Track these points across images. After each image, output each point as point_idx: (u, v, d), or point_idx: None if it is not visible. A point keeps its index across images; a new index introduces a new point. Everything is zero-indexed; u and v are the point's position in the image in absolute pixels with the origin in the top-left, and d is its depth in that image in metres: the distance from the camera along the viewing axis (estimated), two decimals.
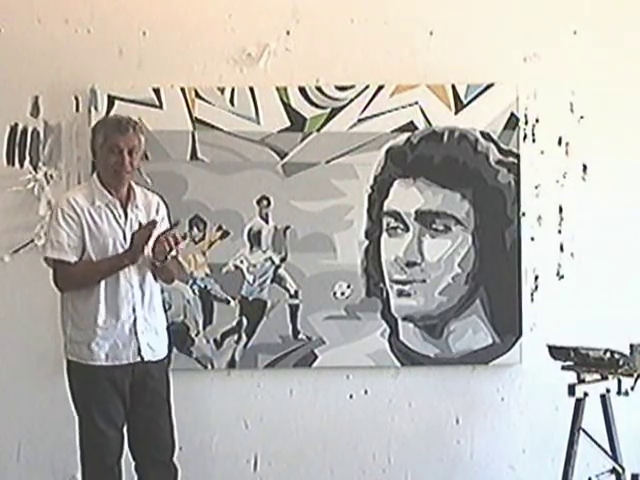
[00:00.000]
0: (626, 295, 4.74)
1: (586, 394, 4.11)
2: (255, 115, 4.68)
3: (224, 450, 4.74)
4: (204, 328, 4.68)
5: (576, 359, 4.18)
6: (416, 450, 4.77)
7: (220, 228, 4.68)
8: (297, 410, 4.75)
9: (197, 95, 4.66)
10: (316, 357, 4.69)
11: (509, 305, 4.71)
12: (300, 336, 4.68)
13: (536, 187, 4.77)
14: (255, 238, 4.68)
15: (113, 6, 4.67)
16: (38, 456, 4.70)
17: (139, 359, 4.01)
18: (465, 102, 4.71)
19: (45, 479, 4.70)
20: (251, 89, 4.68)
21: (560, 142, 4.77)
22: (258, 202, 4.68)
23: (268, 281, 4.69)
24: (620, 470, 4.24)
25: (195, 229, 4.67)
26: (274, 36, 4.71)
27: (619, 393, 4.17)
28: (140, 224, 4.02)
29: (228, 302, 4.68)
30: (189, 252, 4.64)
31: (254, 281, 4.69)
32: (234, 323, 4.68)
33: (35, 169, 4.66)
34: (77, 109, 4.67)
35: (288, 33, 4.72)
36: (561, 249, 4.78)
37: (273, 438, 4.74)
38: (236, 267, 4.69)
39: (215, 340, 4.67)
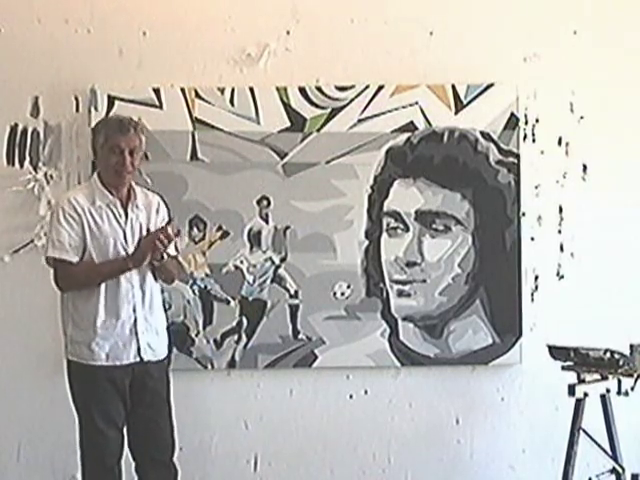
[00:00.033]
0: (626, 295, 4.74)
1: (586, 394, 4.11)
2: (255, 115, 4.68)
3: (224, 450, 4.74)
4: (204, 328, 4.67)
5: (576, 359, 4.18)
6: (416, 450, 4.77)
7: (220, 228, 4.68)
8: (297, 410, 4.75)
9: (197, 95, 4.66)
10: (316, 357, 4.69)
11: (509, 305, 4.71)
12: (300, 336, 4.68)
13: (536, 187, 4.77)
14: (255, 238, 4.68)
15: (113, 6, 4.67)
16: (38, 456, 4.70)
17: (139, 359, 4.01)
18: (465, 102, 4.71)
19: (45, 479, 4.70)
20: (251, 89, 4.68)
21: (560, 142, 4.77)
22: (258, 202, 4.68)
23: (268, 281, 4.69)
24: (620, 470, 4.24)
25: (195, 229, 4.67)
26: (274, 36, 4.71)
27: (619, 393, 4.17)
28: (149, 230, 4.02)
29: (228, 302, 4.68)
30: (189, 252, 4.65)
31: (254, 281, 4.69)
32: (234, 323, 4.68)
33: (35, 169, 4.66)
34: (77, 109, 4.67)
35: (288, 33, 4.72)
36: (561, 249, 4.79)
37: (273, 438, 4.74)
38: (236, 267, 4.69)
39: (215, 340, 4.67)
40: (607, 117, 4.75)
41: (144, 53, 4.68)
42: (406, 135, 4.70)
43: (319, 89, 4.69)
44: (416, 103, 4.70)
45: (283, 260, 4.68)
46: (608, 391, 4.19)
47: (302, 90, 4.68)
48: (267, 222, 4.68)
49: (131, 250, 3.99)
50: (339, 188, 4.69)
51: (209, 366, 4.68)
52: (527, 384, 4.77)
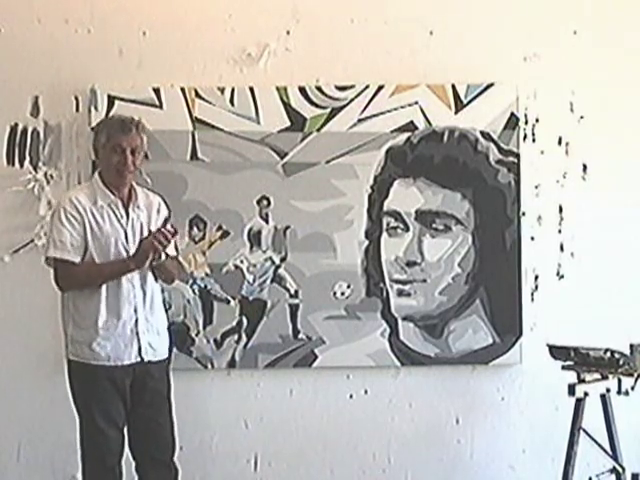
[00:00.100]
0: (626, 295, 4.74)
1: (586, 394, 4.11)
2: (255, 115, 4.68)
3: (224, 450, 4.73)
4: (204, 328, 4.67)
5: (576, 359, 4.18)
6: (416, 450, 4.77)
7: (220, 228, 4.68)
8: (297, 410, 4.75)
9: (197, 95, 4.66)
10: (316, 357, 4.69)
11: (509, 305, 4.71)
12: (300, 336, 4.68)
13: (536, 187, 4.77)
14: (255, 238, 4.68)
15: (113, 6, 4.67)
16: (38, 456, 4.69)
17: (140, 359, 4.01)
18: (465, 102, 4.71)
19: (45, 479, 4.70)
20: (251, 89, 4.68)
21: (560, 142, 4.78)
22: (258, 202, 4.68)
23: (268, 281, 4.69)
24: (620, 470, 4.24)
25: (195, 229, 4.67)
26: (274, 36, 4.71)
27: (619, 393, 4.17)
28: (150, 231, 4.02)
29: (228, 302, 4.68)
30: (189, 252, 4.65)
31: (254, 281, 4.69)
32: (234, 323, 4.68)
33: (35, 169, 4.66)
34: (77, 109, 4.67)
35: (288, 33, 4.72)
36: (561, 249, 4.79)
37: (273, 438, 4.74)
38: (236, 267, 4.69)
39: (215, 340, 4.67)
40: (607, 117, 4.75)
41: (144, 53, 4.68)
42: (406, 135, 4.70)
43: (319, 89, 4.69)
44: (416, 103, 4.70)
45: (283, 260, 4.68)
46: (608, 391, 4.19)
47: (302, 90, 4.69)
48: (267, 222, 4.68)
49: (132, 250, 3.99)
50: (339, 188, 4.69)
51: (209, 366, 4.68)
52: (527, 384, 4.77)
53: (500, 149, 4.71)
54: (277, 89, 4.68)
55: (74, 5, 4.67)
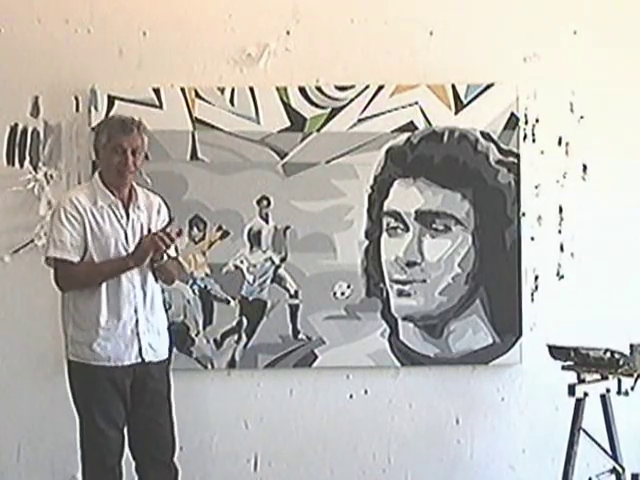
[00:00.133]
0: (626, 295, 4.74)
1: (586, 394, 4.11)
2: (255, 115, 4.68)
3: (224, 450, 4.74)
4: (204, 328, 4.67)
5: (576, 359, 4.18)
6: (416, 450, 4.78)
7: (220, 228, 4.68)
8: (297, 410, 4.75)
9: (197, 95, 4.66)
10: (316, 357, 4.69)
11: (509, 305, 4.71)
12: (300, 336, 4.68)
13: (536, 187, 4.77)
14: (255, 238, 4.68)
15: (113, 6, 4.67)
16: (38, 456, 4.69)
17: (140, 360, 4.01)
18: (465, 102, 4.71)
19: (45, 479, 4.70)
20: (251, 89, 4.68)
21: (560, 142, 4.78)
22: (258, 202, 4.68)
23: (268, 281, 4.69)
24: (620, 470, 4.24)
25: (195, 229, 4.67)
26: (274, 36, 4.71)
27: (619, 393, 4.18)
28: (149, 230, 4.02)
29: (228, 302, 4.68)
30: (189, 252, 4.65)
31: (254, 281, 4.69)
32: (234, 323, 4.68)
33: (35, 169, 4.66)
34: (77, 109, 4.67)
35: (288, 33, 4.72)
36: (561, 249, 4.79)
37: (273, 438, 4.74)
38: (236, 267, 4.68)
39: (215, 340, 4.67)
40: (607, 117, 4.75)
41: (144, 53, 4.68)
42: (406, 135, 4.70)
43: (319, 89, 4.69)
44: (416, 103, 4.70)
45: (283, 260, 4.68)
46: (608, 391, 4.19)
47: (302, 90, 4.69)
48: (267, 222, 4.68)
49: (132, 250, 3.99)
50: (339, 188, 4.69)
51: (209, 366, 4.68)
52: (527, 384, 4.77)
53: (500, 149, 4.71)
54: (277, 89, 4.68)
55: (74, 5, 4.67)
